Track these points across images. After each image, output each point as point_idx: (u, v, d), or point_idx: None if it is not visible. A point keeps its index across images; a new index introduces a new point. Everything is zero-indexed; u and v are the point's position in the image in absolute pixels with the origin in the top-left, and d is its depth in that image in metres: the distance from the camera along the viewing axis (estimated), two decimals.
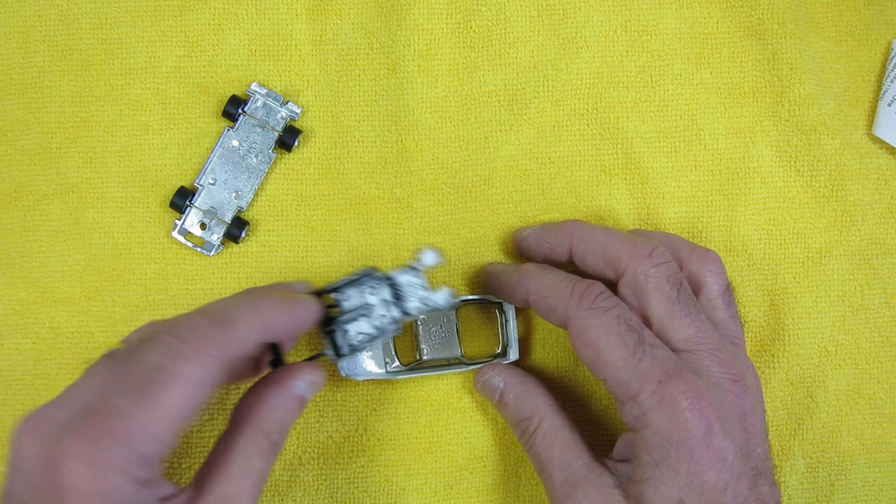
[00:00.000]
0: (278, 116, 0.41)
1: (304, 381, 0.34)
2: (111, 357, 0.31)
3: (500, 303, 0.40)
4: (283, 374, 0.34)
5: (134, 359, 0.30)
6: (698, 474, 0.33)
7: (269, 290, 0.34)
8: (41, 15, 0.42)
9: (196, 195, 0.41)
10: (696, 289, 0.38)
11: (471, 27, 0.43)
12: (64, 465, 0.27)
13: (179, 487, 0.30)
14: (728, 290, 0.39)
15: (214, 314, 0.31)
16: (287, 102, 0.42)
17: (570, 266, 0.39)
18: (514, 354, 0.41)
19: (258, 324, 0.32)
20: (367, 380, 0.41)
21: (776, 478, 0.37)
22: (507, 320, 0.41)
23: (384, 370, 0.40)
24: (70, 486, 0.27)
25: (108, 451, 0.27)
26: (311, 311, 0.34)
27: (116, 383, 0.29)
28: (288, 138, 0.41)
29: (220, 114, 0.42)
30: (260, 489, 0.32)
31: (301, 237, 0.42)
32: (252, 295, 0.34)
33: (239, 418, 0.33)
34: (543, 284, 0.37)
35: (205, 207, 0.41)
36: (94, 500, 0.27)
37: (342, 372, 0.40)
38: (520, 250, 0.41)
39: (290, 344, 0.37)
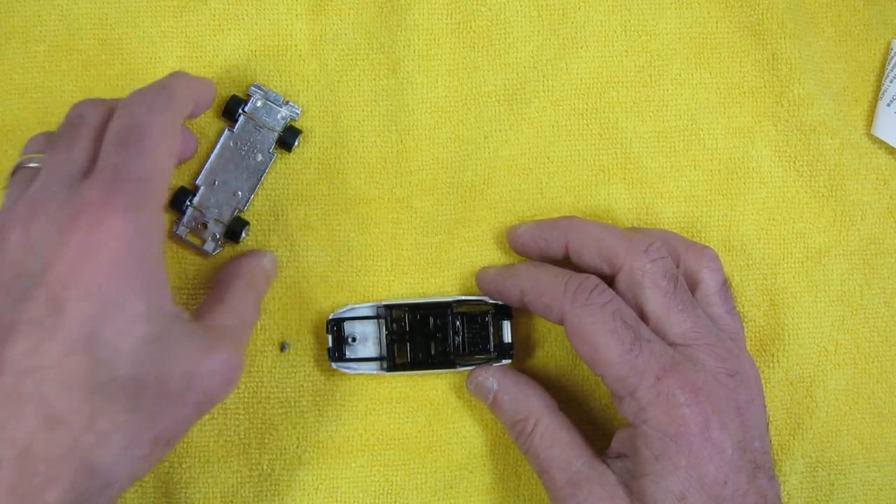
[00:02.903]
0: (278, 116, 0.42)
1: (267, 259, 0.40)
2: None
3: (496, 304, 0.40)
4: (251, 252, 0.40)
5: (115, 124, 0.32)
6: (698, 467, 0.33)
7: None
8: (41, 15, 0.42)
9: (196, 195, 0.41)
10: (692, 285, 0.38)
11: (471, 27, 0.43)
12: (91, 215, 0.29)
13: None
14: (725, 285, 0.39)
15: (155, 84, 0.34)
16: (287, 102, 0.42)
17: (567, 262, 0.39)
18: (508, 357, 0.40)
19: (189, 93, 0.36)
20: (358, 374, 0.41)
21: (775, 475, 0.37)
22: (502, 321, 0.41)
23: (376, 366, 0.40)
24: (104, 235, 0.29)
25: (128, 192, 0.30)
26: (213, 88, 0.39)
27: (108, 145, 0.32)
28: (288, 138, 0.41)
29: (220, 114, 0.42)
30: (249, 334, 0.37)
31: (300, 237, 0.42)
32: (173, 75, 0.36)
33: (231, 274, 0.38)
34: (538, 283, 0.37)
35: (205, 207, 0.41)
36: (124, 241, 0.29)
37: (332, 365, 0.40)
38: (515, 247, 0.41)
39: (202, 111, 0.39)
